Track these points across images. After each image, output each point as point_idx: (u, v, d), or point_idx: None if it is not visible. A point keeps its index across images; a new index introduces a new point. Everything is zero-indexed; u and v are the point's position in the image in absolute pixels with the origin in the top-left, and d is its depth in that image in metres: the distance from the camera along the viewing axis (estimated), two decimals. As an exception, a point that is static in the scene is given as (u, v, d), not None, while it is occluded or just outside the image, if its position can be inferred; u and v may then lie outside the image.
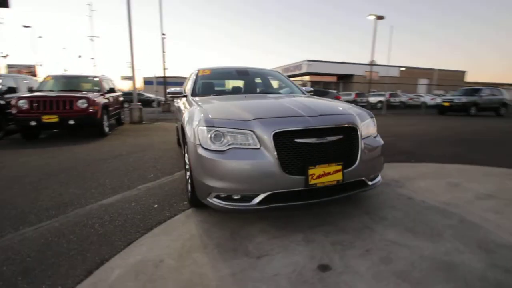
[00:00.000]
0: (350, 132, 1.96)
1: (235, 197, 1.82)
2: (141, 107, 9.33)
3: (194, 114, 2.14)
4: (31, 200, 2.56)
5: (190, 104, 2.68)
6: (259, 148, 1.78)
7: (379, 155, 2.17)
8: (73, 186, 2.92)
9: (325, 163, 1.82)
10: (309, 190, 1.81)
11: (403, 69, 35.67)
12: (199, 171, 1.88)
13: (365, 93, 23.00)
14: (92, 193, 2.72)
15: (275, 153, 1.75)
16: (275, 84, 3.49)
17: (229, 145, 1.80)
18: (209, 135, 1.84)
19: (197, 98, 2.80)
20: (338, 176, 1.85)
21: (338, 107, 2.24)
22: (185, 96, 3.05)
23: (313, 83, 25.65)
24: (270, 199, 1.78)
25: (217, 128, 1.85)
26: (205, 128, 1.87)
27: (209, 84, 3.40)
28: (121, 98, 8.27)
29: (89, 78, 7.09)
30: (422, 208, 2.28)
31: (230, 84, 3.45)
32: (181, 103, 3.44)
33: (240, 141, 1.82)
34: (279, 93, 3.18)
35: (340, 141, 1.91)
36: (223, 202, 1.82)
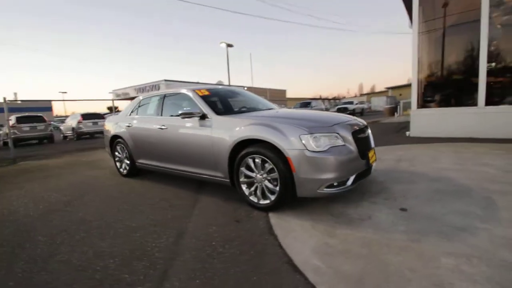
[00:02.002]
0: (367, 129, 3.03)
1: (335, 184, 2.40)
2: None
3: (277, 127, 2.48)
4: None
5: (226, 123, 2.86)
6: (344, 145, 2.47)
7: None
8: (101, 245, 2.25)
9: (370, 149, 2.78)
10: (367, 168, 2.70)
11: (246, 88, 42.55)
12: (307, 170, 2.31)
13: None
14: (151, 244, 2.27)
15: (355, 145, 2.51)
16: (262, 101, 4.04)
17: (327, 145, 2.38)
18: (312, 140, 2.33)
19: (232, 116, 2.98)
20: (375, 157, 2.87)
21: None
22: (202, 116, 3.06)
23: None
24: (355, 179, 2.51)
25: (315, 134, 2.37)
26: (308, 135, 2.34)
27: (220, 103, 3.49)
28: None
29: None
30: (385, 172, 3.70)
31: (234, 102, 3.66)
32: (180, 125, 3.29)
33: (329, 141, 2.43)
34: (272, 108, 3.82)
35: (367, 135, 2.93)
36: (330, 189, 2.36)
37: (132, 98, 33.12)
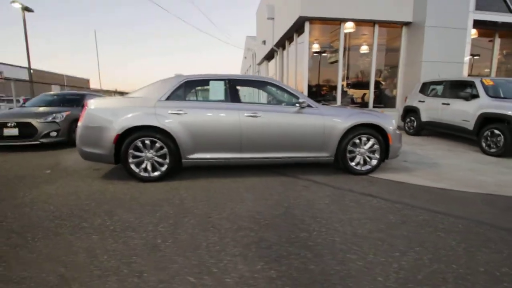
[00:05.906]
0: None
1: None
2: None
3: (378, 115, 3.67)
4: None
5: (334, 112, 3.64)
6: (393, 126, 4.13)
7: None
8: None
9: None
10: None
11: (32, 71, 31.20)
12: (396, 141, 3.75)
13: None
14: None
15: (394, 126, 4.27)
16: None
17: (396, 127, 3.93)
18: (394, 123, 3.80)
19: (328, 106, 3.72)
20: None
21: None
22: (307, 105, 3.52)
23: None
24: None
25: (394, 119, 3.86)
26: (393, 120, 3.78)
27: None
28: None
29: None
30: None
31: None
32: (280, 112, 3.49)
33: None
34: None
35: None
36: (399, 152, 3.96)
37: None
